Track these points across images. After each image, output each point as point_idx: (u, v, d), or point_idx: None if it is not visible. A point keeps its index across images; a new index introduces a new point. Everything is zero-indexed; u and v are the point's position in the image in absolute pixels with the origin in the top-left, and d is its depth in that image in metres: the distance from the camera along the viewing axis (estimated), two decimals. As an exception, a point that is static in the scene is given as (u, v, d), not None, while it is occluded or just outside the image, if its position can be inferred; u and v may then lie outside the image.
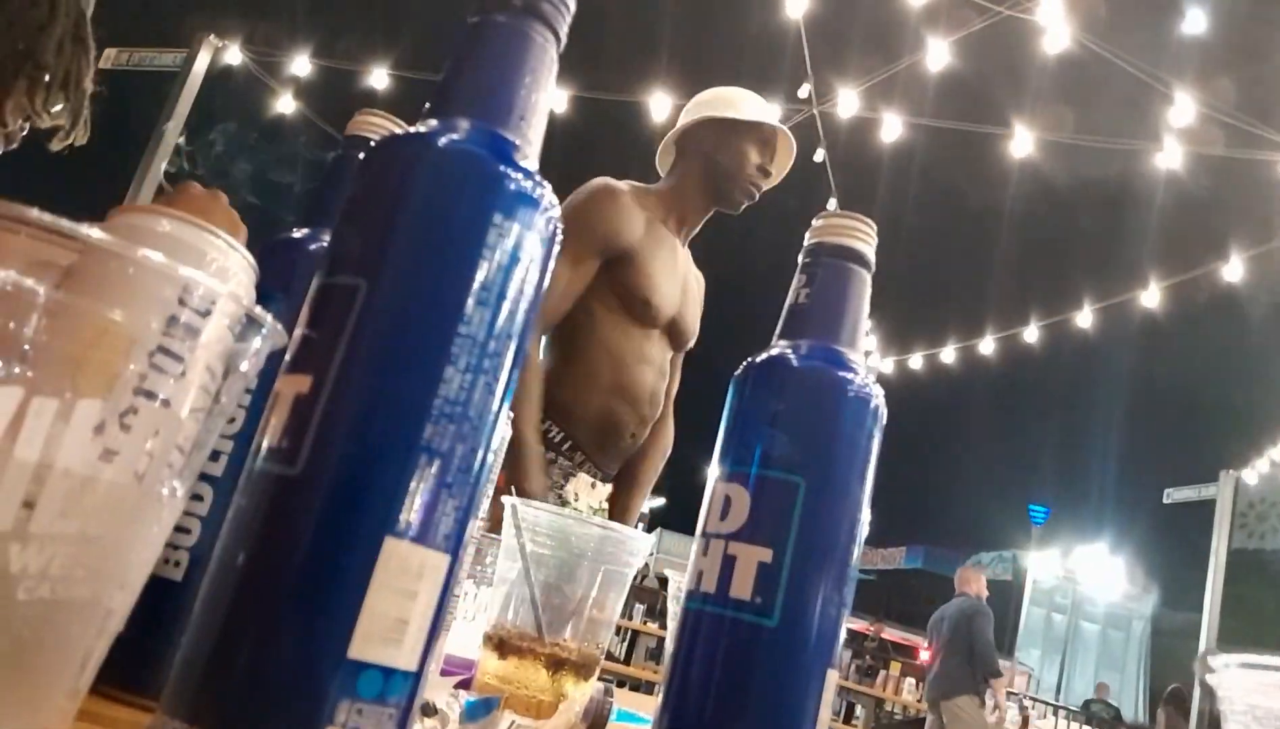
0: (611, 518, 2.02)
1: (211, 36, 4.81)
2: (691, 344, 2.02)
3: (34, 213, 0.31)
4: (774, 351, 0.51)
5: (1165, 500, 7.37)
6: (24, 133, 0.98)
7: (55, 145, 1.01)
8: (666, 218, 1.88)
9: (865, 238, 0.53)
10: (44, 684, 0.32)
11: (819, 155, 5.13)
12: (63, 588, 0.31)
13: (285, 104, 5.05)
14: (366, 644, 0.33)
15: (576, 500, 1.85)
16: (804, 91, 4.71)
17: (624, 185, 1.85)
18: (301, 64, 4.89)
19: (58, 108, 0.95)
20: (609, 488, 1.96)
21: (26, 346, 0.31)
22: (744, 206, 1.92)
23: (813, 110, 4.77)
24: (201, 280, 0.34)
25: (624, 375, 1.83)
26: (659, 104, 4.78)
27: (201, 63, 4.85)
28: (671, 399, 2.07)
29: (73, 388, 0.31)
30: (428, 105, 0.39)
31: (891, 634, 10.48)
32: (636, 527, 2.02)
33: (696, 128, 1.89)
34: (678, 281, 1.90)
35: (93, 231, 0.32)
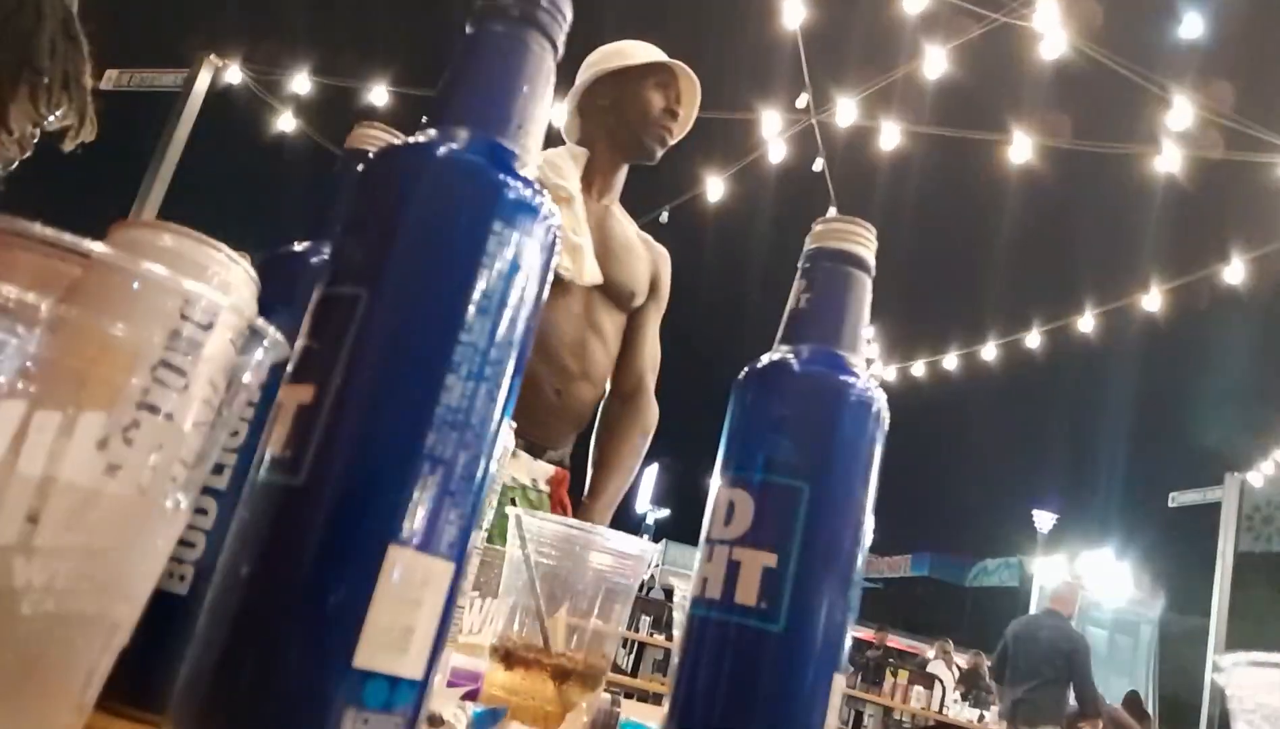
0: (583, 501, 1.91)
1: (212, 56, 4.85)
2: (637, 303, 1.93)
3: (37, 227, 0.31)
4: (775, 357, 0.51)
5: (1170, 504, 7.34)
6: (35, 139, 0.98)
7: (67, 145, 1.02)
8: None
9: (865, 242, 0.53)
10: (50, 699, 0.32)
11: (818, 165, 5.13)
12: (68, 602, 0.31)
13: (285, 121, 5.07)
14: (372, 653, 0.33)
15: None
16: (802, 101, 4.72)
17: None
18: (301, 81, 4.91)
19: (62, 110, 0.95)
20: (549, 468, 1.83)
21: (29, 362, 0.31)
22: (659, 154, 1.88)
23: (811, 120, 4.78)
24: (204, 293, 0.34)
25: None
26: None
27: (202, 82, 4.88)
28: (645, 373, 1.99)
29: (76, 402, 0.31)
30: (426, 115, 0.40)
31: (897, 642, 10.43)
32: (640, 526, 1.95)
33: (594, 86, 1.88)
34: (588, 238, 1.82)
35: (95, 245, 0.32)
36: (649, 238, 2.02)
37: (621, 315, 1.92)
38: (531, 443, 1.79)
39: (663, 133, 1.86)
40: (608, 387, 1.97)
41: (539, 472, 1.82)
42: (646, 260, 1.96)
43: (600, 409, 1.99)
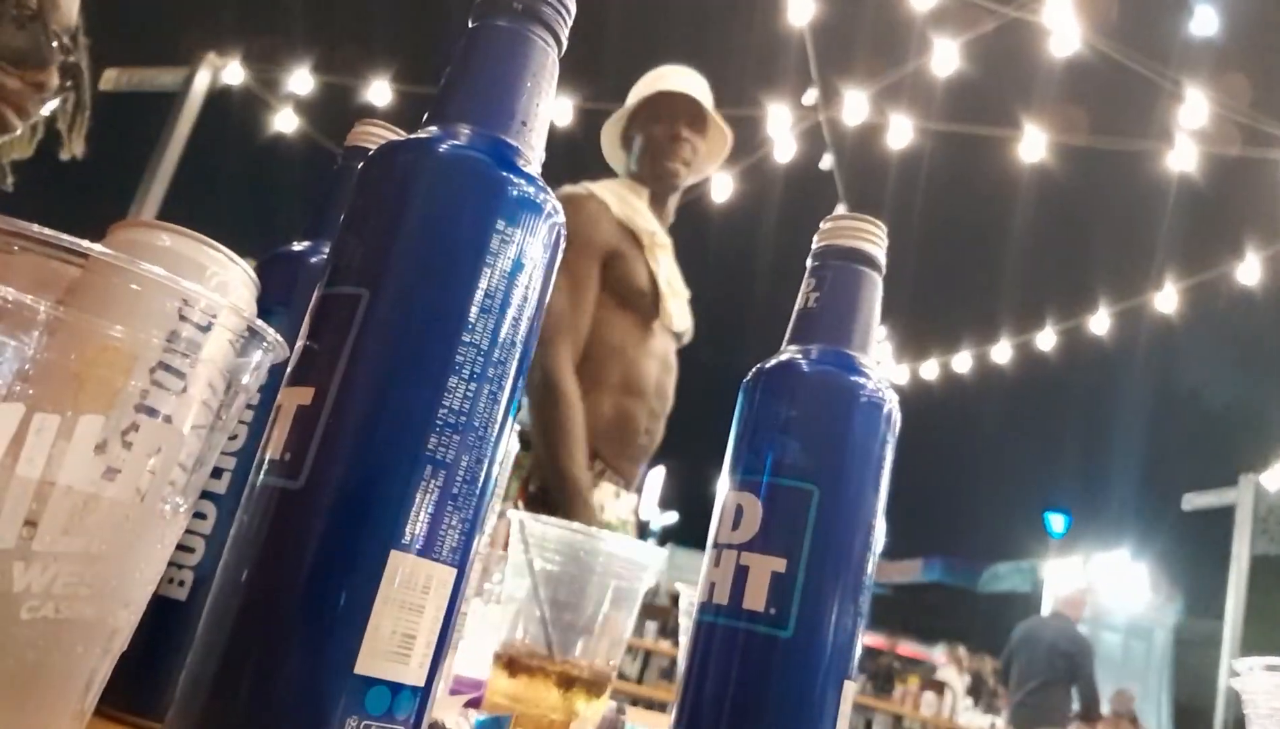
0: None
1: (211, 55, 4.85)
2: (685, 338, 2.01)
3: (35, 228, 0.31)
4: (784, 357, 0.51)
5: (1184, 507, 7.28)
6: (38, 136, 0.97)
7: (65, 152, 1.01)
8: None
9: (875, 240, 0.52)
10: (49, 705, 0.32)
11: (826, 162, 5.11)
12: (67, 607, 0.31)
13: (286, 120, 5.07)
14: (373, 660, 0.32)
15: (603, 512, 1.81)
16: (810, 98, 4.71)
17: (594, 185, 1.88)
18: (302, 80, 4.91)
19: (52, 104, 0.94)
20: (635, 498, 1.93)
21: (28, 364, 0.31)
22: (677, 178, 1.92)
23: (819, 117, 4.76)
24: (202, 294, 0.33)
25: (630, 370, 1.82)
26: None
27: (202, 81, 4.88)
28: None
29: (74, 405, 0.31)
30: (428, 112, 0.39)
31: (907, 649, 10.38)
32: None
33: (625, 124, 1.96)
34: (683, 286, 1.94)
35: (94, 246, 0.32)
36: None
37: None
38: (628, 482, 1.88)
39: (672, 163, 1.90)
40: None
41: (630, 504, 1.91)
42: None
43: None
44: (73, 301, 0.32)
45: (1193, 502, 7.21)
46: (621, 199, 1.86)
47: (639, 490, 1.98)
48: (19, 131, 0.92)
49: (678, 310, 1.88)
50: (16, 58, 0.86)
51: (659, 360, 1.89)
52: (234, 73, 4.99)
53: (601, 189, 1.87)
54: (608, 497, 1.83)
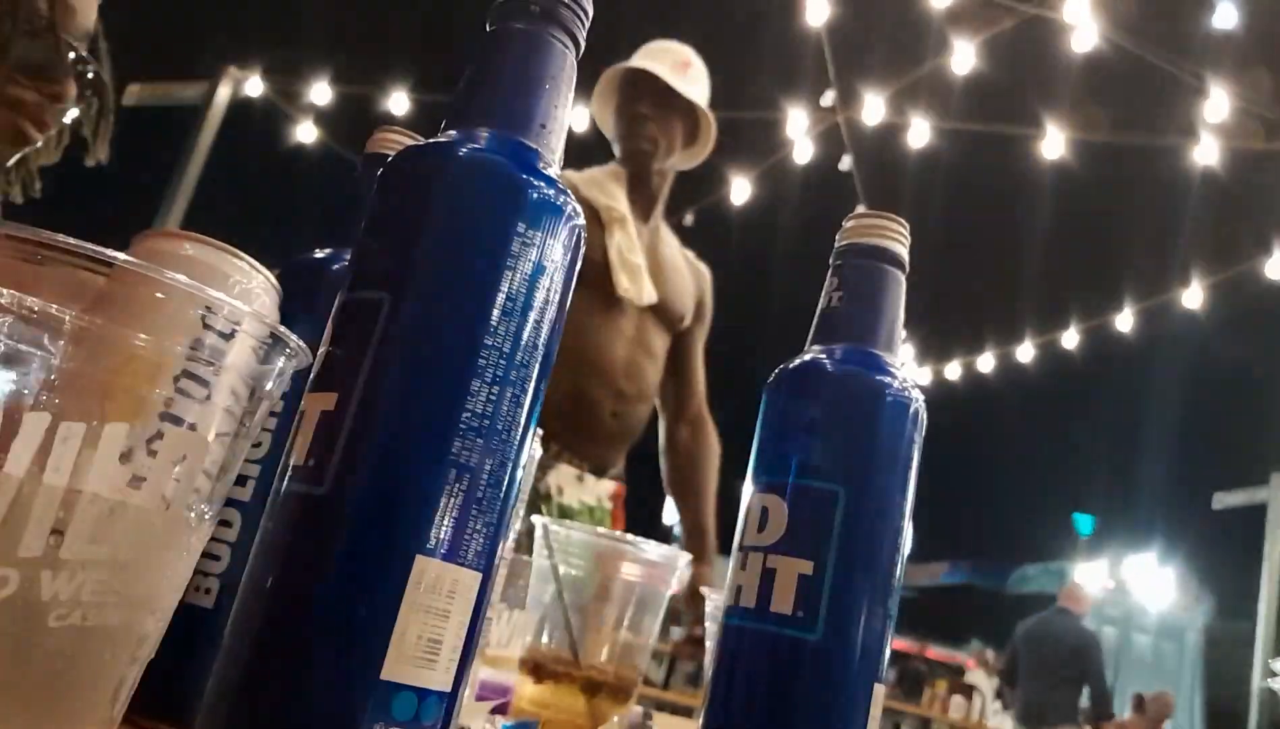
0: (686, 535, 1.96)
1: (232, 68, 4.92)
2: (684, 324, 1.94)
3: (61, 237, 0.31)
4: (807, 357, 0.50)
5: (1215, 506, 7.18)
6: (64, 143, 0.98)
7: (90, 158, 1.02)
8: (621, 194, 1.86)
9: (898, 237, 0.51)
10: (78, 712, 0.32)
11: (845, 163, 5.09)
12: (94, 614, 0.31)
13: (306, 131, 5.13)
14: (399, 665, 0.32)
15: (561, 495, 1.75)
16: (827, 99, 4.69)
17: (572, 172, 1.85)
18: (321, 91, 4.96)
19: (74, 112, 0.94)
20: (611, 485, 1.85)
21: (54, 374, 0.31)
22: (645, 157, 1.85)
23: (837, 118, 4.74)
24: (226, 302, 0.33)
25: (588, 347, 1.75)
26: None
27: (223, 95, 4.95)
28: (701, 397, 2.02)
29: (100, 414, 0.31)
30: (447, 116, 0.39)
31: (935, 652, 10.29)
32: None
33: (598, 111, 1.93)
34: (643, 257, 1.84)
35: (119, 255, 0.32)
36: (691, 257, 2.03)
37: (668, 336, 1.94)
38: (595, 465, 1.82)
39: (633, 143, 1.84)
40: (663, 409, 2.01)
41: (602, 490, 1.84)
42: (692, 280, 1.98)
43: (665, 438, 2.02)
44: (98, 311, 0.33)
45: (1223, 501, 7.10)
46: (593, 182, 1.82)
47: (622, 479, 1.91)
48: (39, 143, 0.92)
49: (630, 282, 1.78)
50: (32, 70, 0.86)
51: (627, 339, 1.82)
52: (254, 86, 5.05)
53: (577, 175, 1.85)
54: (567, 480, 1.76)
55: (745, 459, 0.50)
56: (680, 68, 1.87)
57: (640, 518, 2.08)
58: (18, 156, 0.93)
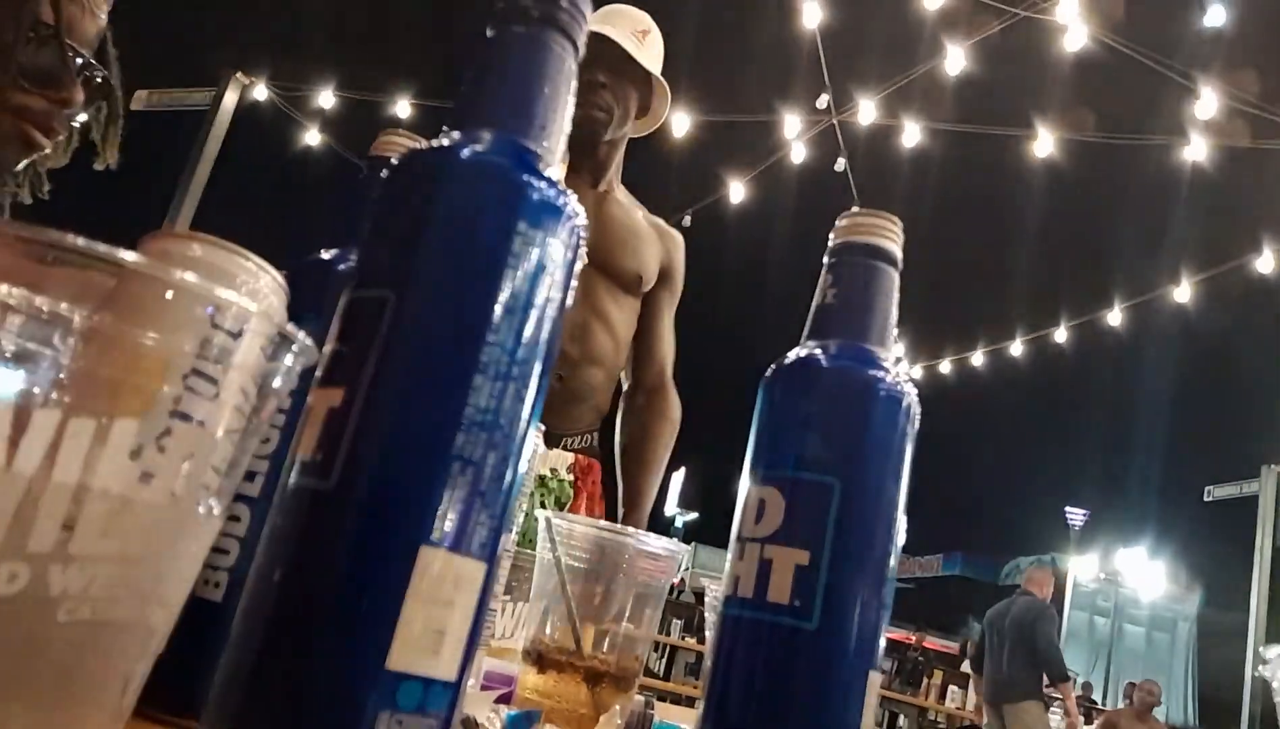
0: (622, 503, 1.88)
1: (239, 74, 4.93)
2: (646, 287, 1.88)
3: (70, 237, 0.32)
4: (802, 353, 0.51)
5: (1206, 498, 7.22)
6: (74, 145, 0.98)
7: (99, 162, 1.02)
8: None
9: (891, 235, 0.52)
10: (88, 706, 0.32)
11: (840, 164, 5.10)
12: (104, 609, 0.31)
13: (312, 136, 5.15)
14: (405, 655, 0.33)
15: None
16: (822, 102, 4.70)
17: None
18: (326, 97, 4.98)
19: (83, 117, 0.95)
20: (569, 457, 1.79)
21: (63, 372, 0.31)
22: (596, 126, 1.78)
23: (832, 120, 4.76)
24: (234, 301, 0.34)
25: None
26: (677, 121, 4.80)
27: (230, 100, 4.97)
28: (666, 362, 1.95)
29: (109, 410, 0.31)
30: (449, 118, 0.40)
31: (932, 643, 10.33)
32: (667, 525, 1.90)
33: None
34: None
35: (128, 255, 0.32)
36: (661, 223, 1.97)
37: (630, 300, 1.88)
38: (546, 432, 1.68)
39: (583, 110, 1.74)
40: (623, 376, 1.94)
41: (556, 460, 1.76)
42: (655, 244, 1.92)
43: (622, 404, 1.95)
44: (108, 310, 0.33)
45: (1214, 493, 7.15)
46: None
47: (593, 453, 1.84)
48: (47, 149, 0.93)
49: None
50: (39, 77, 0.87)
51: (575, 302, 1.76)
52: (261, 91, 5.07)
53: None
54: None
55: (743, 453, 0.51)
56: (639, 35, 1.79)
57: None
58: (26, 162, 0.93)
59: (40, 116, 0.88)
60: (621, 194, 1.92)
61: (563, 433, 1.80)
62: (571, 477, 1.77)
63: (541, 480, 1.67)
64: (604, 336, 1.83)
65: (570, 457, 1.79)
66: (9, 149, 0.90)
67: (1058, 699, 5.99)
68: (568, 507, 1.64)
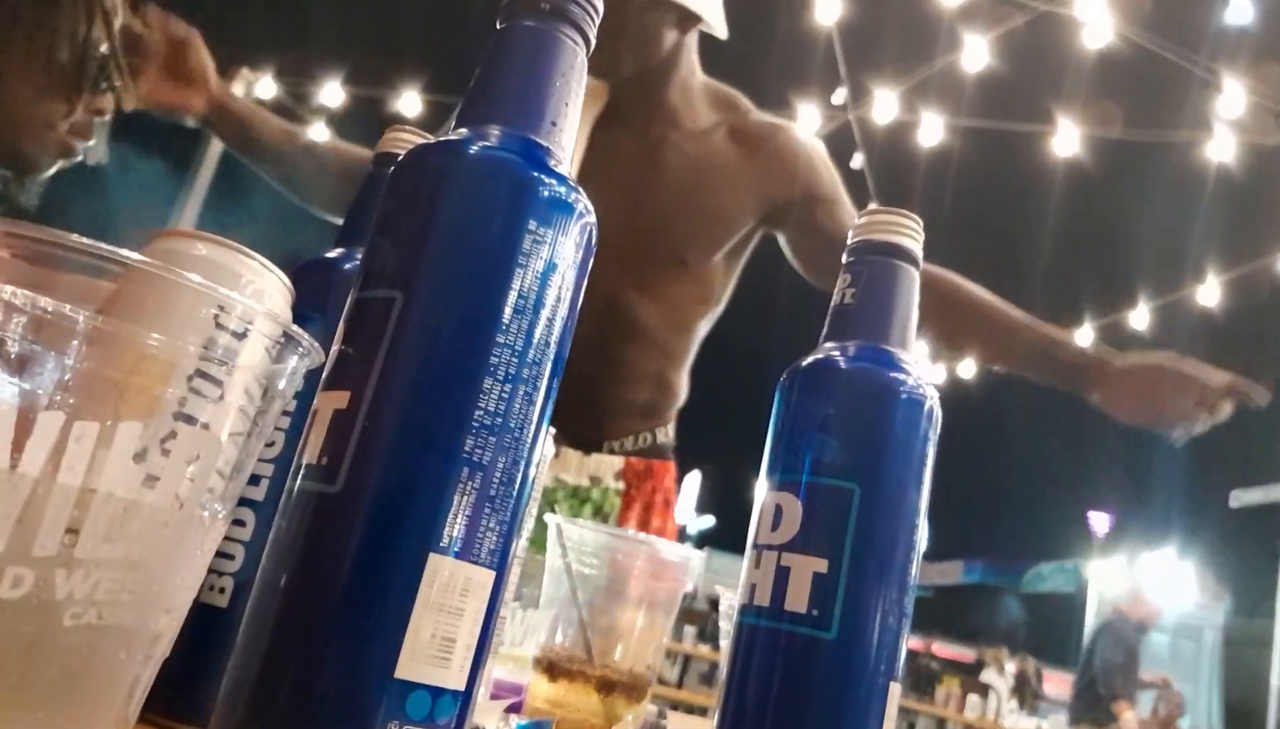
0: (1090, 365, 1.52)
1: (244, 70, 4.96)
2: (743, 233, 1.60)
3: (74, 237, 0.31)
4: (820, 355, 0.50)
5: (1232, 504, 7.13)
6: (88, 144, 0.99)
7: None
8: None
9: (911, 234, 0.51)
10: (93, 711, 0.32)
11: (857, 161, 5.07)
12: (109, 613, 0.31)
13: (318, 132, 5.17)
14: (413, 664, 0.32)
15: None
16: (839, 97, 4.68)
17: None
18: (333, 92, 5.00)
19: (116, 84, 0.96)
20: (616, 461, 1.54)
21: (67, 374, 0.31)
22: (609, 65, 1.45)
23: (849, 116, 4.73)
24: (238, 301, 0.34)
25: None
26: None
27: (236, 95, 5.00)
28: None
29: (113, 413, 0.31)
30: (457, 114, 0.39)
31: (950, 652, 10.25)
32: None
33: None
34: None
35: (132, 254, 0.32)
36: (775, 140, 1.62)
37: (699, 261, 1.59)
38: (575, 440, 1.52)
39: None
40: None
41: (600, 468, 1.53)
42: (748, 181, 1.58)
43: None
44: (111, 311, 0.33)
45: (1240, 498, 7.05)
46: None
47: (661, 453, 1.56)
48: (80, 156, 0.95)
49: None
50: (82, 88, 0.89)
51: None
52: (266, 87, 5.10)
53: None
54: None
55: (759, 457, 0.50)
56: None
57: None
58: (56, 167, 0.96)
59: (84, 128, 0.91)
60: (695, 121, 1.57)
61: (601, 438, 1.55)
62: (621, 485, 1.54)
63: (574, 491, 1.52)
64: (651, 314, 1.55)
65: (619, 462, 1.54)
66: (46, 156, 0.92)
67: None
68: (613, 518, 1.49)
